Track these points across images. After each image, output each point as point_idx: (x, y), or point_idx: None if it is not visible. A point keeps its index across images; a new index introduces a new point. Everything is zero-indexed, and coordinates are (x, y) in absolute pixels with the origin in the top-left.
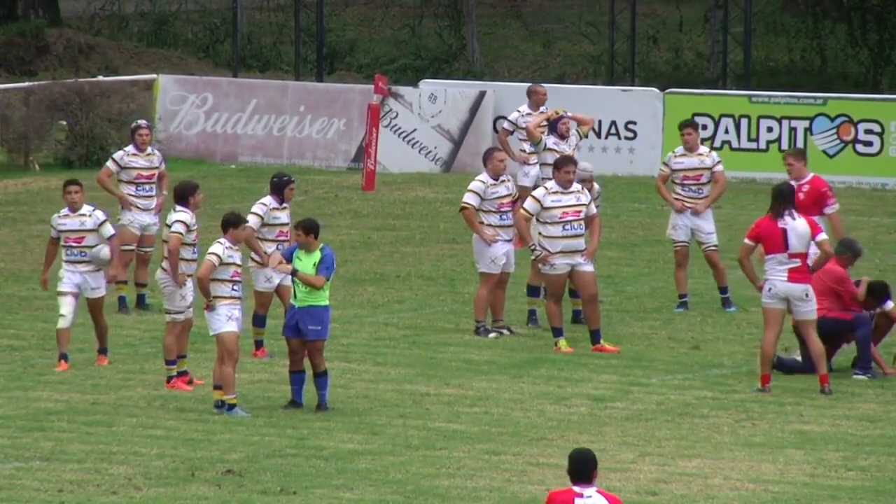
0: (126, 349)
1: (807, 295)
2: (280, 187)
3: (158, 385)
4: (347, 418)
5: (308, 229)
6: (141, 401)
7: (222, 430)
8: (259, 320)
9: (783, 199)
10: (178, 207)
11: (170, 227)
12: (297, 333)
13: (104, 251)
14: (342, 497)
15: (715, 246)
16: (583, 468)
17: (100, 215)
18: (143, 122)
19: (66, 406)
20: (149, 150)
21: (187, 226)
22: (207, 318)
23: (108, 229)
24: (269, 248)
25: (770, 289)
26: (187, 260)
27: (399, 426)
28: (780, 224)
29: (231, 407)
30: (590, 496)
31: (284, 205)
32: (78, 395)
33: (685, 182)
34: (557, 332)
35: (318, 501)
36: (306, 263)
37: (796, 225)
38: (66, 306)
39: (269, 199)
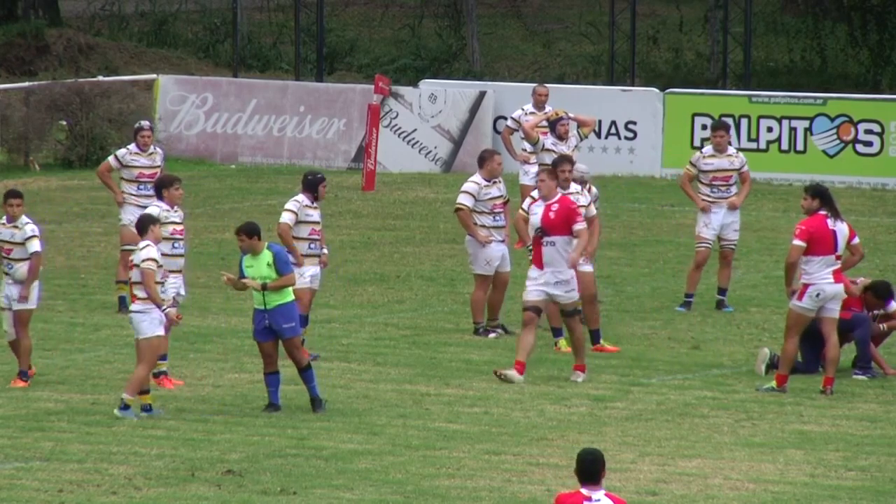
0: (126, 349)
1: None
2: (314, 185)
3: (158, 385)
4: (347, 418)
5: (250, 232)
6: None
7: (222, 430)
8: (301, 320)
9: (832, 200)
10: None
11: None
12: (270, 336)
13: (21, 269)
14: (342, 497)
15: (734, 246)
16: (591, 468)
17: (29, 230)
18: (145, 122)
19: (66, 406)
20: (151, 149)
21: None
22: (138, 320)
23: (34, 245)
24: (302, 246)
25: (818, 294)
26: (168, 255)
27: (399, 426)
28: (831, 226)
29: (126, 407)
30: (598, 500)
31: (316, 203)
32: (78, 395)
33: (714, 183)
34: (557, 333)
35: (318, 501)
36: (259, 266)
37: (842, 227)
38: (5, 322)
39: (301, 197)
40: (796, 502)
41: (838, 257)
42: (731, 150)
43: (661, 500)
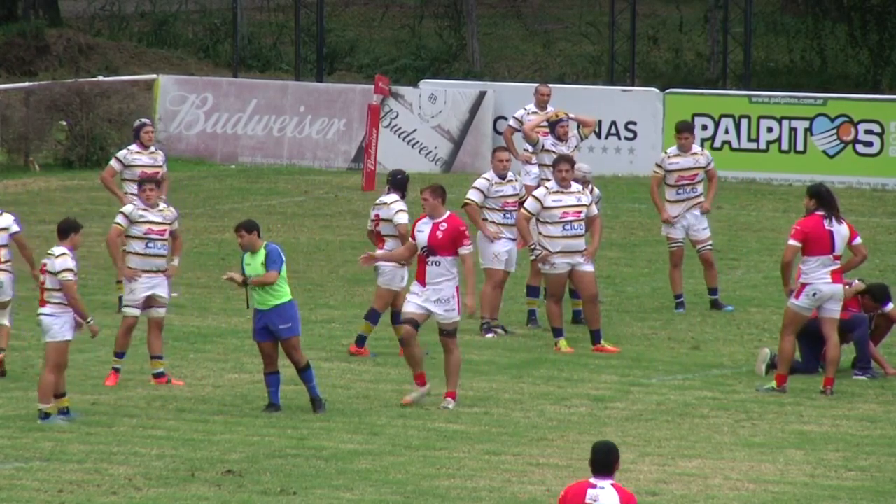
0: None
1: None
2: (403, 184)
3: (158, 385)
4: (347, 418)
5: (249, 228)
6: (141, 401)
7: (222, 430)
8: (374, 316)
9: (832, 201)
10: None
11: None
12: (268, 336)
13: None
14: (342, 497)
15: (710, 246)
16: (604, 459)
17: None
18: (146, 119)
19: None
20: (152, 147)
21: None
22: (48, 323)
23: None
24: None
25: (815, 293)
26: (140, 254)
27: (399, 426)
28: (828, 226)
29: (45, 416)
30: (602, 487)
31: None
32: (78, 395)
33: (680, 183)
34: (557, 333)
35: (318, 501)
36: (255, 265)
37: (841, 228)
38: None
39: (395, 196)
40: (796, 502)
41: (836, 258)
42: (696, 147)
43: (661, 500)
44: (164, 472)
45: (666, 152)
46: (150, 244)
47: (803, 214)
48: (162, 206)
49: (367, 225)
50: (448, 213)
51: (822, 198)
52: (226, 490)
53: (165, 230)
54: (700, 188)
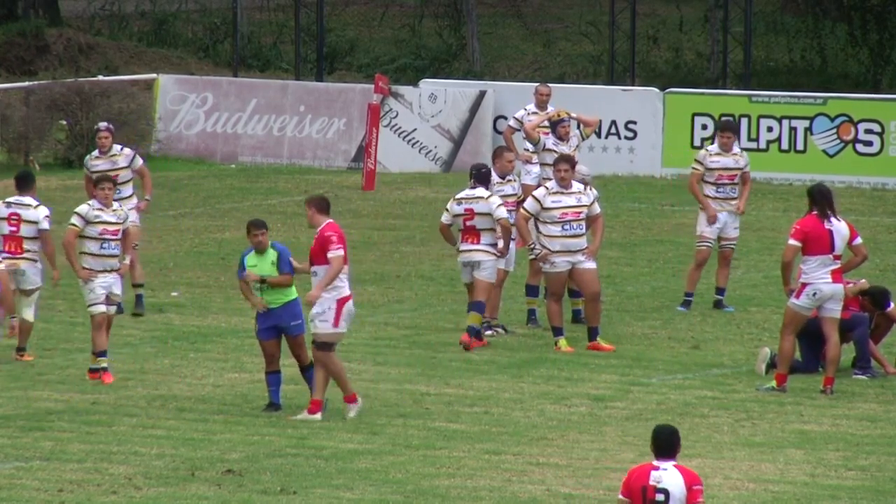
0: (126, 349)
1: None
2: (487, 177)
3: (158, 385)
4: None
5: (266, 227)
6: (141, 401)
7: (222, 430)
8: (478, 307)
9: (829, 200)
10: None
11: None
12: (275, 335)
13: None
14: (342, 497)
15: (734, 245)
16: (667, 442)
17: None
18: (102, 124)
19: (66, 406)
20: (114, 150)
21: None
22: None
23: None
24: (488, 237)
25: (815, 293)
26: (96, 255)
27: (399, 426)
28: (827, 225)
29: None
30: (665, 469)
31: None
32: (78, 395)
33: (720, 181)
34: (557, 332)
35: (318, 501)
36: (264, 265)
37: (840, 227)
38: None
39: (482, 190)
40: (796, 502)
41: (836, 257)
42: (736, 148)
43: None
44: (164, 471)
45: (707, 149)
46: (105, 245)
47: (803, 214)
48: (116, 205)
49: (444, 219)
50: (326, 222)
51: (813, 197)
52: (226, 489)
53: (119, 230)
54: (737, 189)
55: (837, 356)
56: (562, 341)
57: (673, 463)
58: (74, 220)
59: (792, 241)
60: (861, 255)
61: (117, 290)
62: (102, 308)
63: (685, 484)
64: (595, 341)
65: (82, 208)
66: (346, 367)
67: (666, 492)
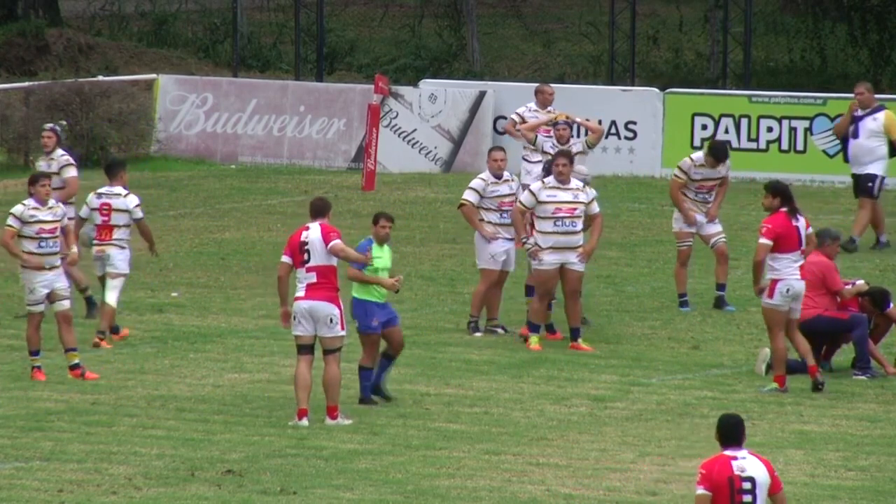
0: (126, 349)
1: None
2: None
3: (158, 385)
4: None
5: (394, 220)
6: (141, 401)
7: (222, 430)
8: (532, 290)
9: (792, 197)
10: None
11: None
12: (383, 328)
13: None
14: (342, 497)
15: (725, 237)
16: (735, 431)
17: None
18: (48, 125)
19: (66, 406)
20: (57, 153)
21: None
22: None
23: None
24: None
25: (788, 290)
26: (34, 253)
27: (399, 426)
28: (794, 223)
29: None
30: (744, 457)
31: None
32: (78, 395)
33: (699, 190)
34: (533, 328)
35: (318, 501)
36: (386, 257)
37: (802, 223)
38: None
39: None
40: (796, 502)
41: (802, 252)
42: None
43: (661, 500)
44: (164, 471)
45: (692, 159)
46: (43, 243)
47: (801, 214)
48: (52, 202)
49: (519, 206)
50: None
51: (785, 195)
52: (226, 490)
53: (56, 227)
54: (712, 195)
55: (807, 346)
56: (533, 338)
57: (747, 451)
58: (10, 220)
59: (764, 240)
60: (812, 243)
61: (60, 284)
62: (40, 308)
63: (767, 470)
64: (577, 342)
65: (17, 209)
66: (346, 367)
67: (752, 479)
